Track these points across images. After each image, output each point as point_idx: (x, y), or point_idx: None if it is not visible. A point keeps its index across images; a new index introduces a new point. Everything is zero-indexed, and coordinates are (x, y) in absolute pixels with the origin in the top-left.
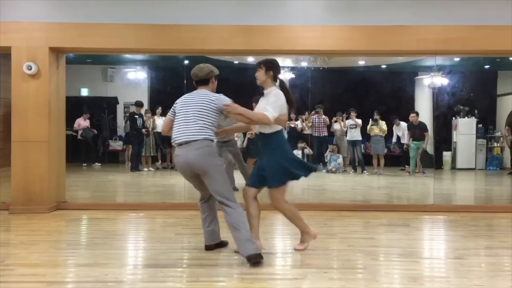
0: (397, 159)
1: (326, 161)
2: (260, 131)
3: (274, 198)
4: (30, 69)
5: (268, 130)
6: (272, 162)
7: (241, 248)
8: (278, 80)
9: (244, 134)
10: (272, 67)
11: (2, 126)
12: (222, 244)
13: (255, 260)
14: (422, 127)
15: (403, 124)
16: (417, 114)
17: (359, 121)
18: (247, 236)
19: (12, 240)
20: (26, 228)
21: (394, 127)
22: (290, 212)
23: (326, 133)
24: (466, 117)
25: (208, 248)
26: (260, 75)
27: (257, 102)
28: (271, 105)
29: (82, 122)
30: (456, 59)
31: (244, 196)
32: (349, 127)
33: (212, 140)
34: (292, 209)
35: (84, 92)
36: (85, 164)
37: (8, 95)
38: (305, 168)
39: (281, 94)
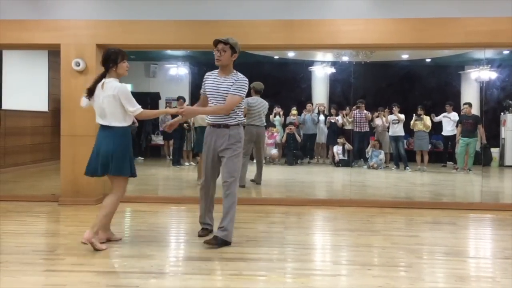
0: (442, 156)
1: (367, 156)
2: None
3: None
4: (78, 65)
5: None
6: None
7: None
8: None
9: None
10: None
11: (51, 121)
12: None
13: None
14: (475, 118)
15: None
16: (470, 105)
17: (402, 116)
18: None
19: (62, 231)
20: (74, 219)
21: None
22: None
23: (367, 129)
24: None
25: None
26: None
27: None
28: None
29: None
30: (506, 52)
31: None
32: (391, 122)
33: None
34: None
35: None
36: None
37: (57, 91)
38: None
39: None
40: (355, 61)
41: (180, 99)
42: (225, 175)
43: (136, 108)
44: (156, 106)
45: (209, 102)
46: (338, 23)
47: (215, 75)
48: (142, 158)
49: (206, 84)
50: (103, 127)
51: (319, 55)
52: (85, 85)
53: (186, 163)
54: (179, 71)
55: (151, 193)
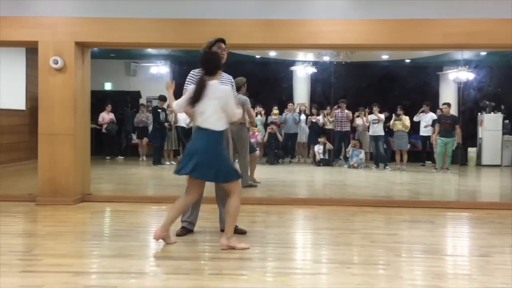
0: (420, 155)
1: (348, 156)
2: None
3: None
4: (57, 63)
5: None
6: None
7: None
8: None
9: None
10: (199, 61)
11: (29, 120)
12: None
13: None
14: (454, 118)
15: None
16: (449, 105)
17: (382, 116)
18: None
19: (39, 231)
20: (52, 219)
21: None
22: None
23: (348, 128)
24: (492, 113)
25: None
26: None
27: None
28: None
29: (106, 116)
30: (483, 53)
31: None
32: (371, 122)
33: None
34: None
35: (108, 86)
36: (109, 157)
37: (35, 89)
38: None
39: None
40: (336, 61)
41: (161, 97)
42: None
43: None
44: (136, 105)
45: None
46: (319, 23)
47: None
48: (123, 157)
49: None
50: (205, 130)
51: (301, 55)
52: (64, 83)
53: (167, 163)
54: (160, 69)
55: (132, 193)
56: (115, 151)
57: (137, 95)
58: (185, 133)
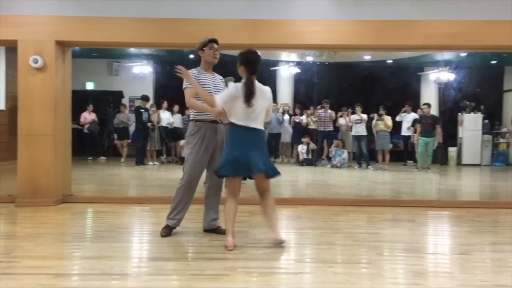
0: (402, 155)
1: (331, 156)
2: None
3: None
4: (37, 62)
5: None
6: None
7: None
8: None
9: None
10: (241, 61)
11: (8, 120)
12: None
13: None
14: (434, 118)
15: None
16: (429, 105)
17: (365, 116)
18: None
19: (19, 233)
20: (32, 220)
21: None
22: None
23: (331, 128)
24: (472, 113)
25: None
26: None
27: None
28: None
29: (88, 116)
30: (463, 54)
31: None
32: (354, 122)
33: (190, 119)
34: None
35: (90, 86)
36: (91, 158)
37: (14, 88)
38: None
39: (235, 86)
40: (319, 61)
41: (144, 97)
42: None
43: None
44: (119, 105)
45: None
46: (302, 24)
47: (205, 73)
48: (105, 158)
49: (203, 81)
50: (253, 130)
51: (284, 55)
52: (44, 82)
53: (150, 163)
54: (143, 69)
55: (114, 194)
56: (97, 151)
57: (119, 95)
58: (168, 133)
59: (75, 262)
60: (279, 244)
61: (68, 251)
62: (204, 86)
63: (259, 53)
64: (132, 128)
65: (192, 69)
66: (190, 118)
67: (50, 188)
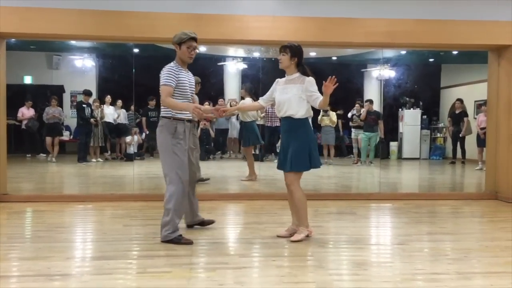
0: (347, 149)
1: (277, 151)
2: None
3: (291, 181)
4: None
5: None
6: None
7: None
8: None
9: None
10: (297, 53)
11: None
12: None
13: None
14: (377, 114)
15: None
16: (372, 102)
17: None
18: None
19: None
20: None
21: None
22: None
23: (278, 124)
24: (411, 109)
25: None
26: (284, 60)
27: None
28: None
29: (26, 112)
30: (402, 52)
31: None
32: None
33: (167, 118)
34: (303, 198)
35: (28, 80)
36: (29, 155)
37: None
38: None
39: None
40: (266, 57)
41: (86, 92)
42: (199, 170)
43: None
44: (59, 100)
45: (181, 97)
46: (247, 19)
47: (181, 70)
48: (45, 155)
49: (181, 79)
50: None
51: (231, 51)
52: None
53: (93, 160)
54: (85, 63)
55: (53, 192)
56: (36, 148)
57: (60, 89)
58: (111, 129)
59: (10, 263)
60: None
61: (2, 252)
62: (182, 84)
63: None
64: (73, 124)
65: (170, 64)
66: (165, 115)
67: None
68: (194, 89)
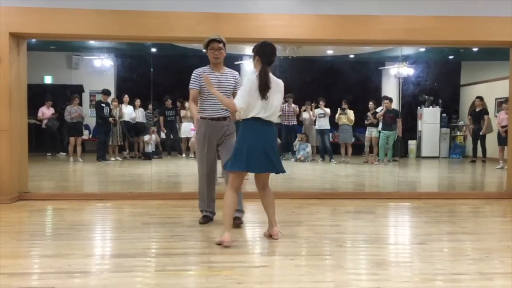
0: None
1: (295, 150)
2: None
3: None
4: None
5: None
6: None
7: None
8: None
9: None
10: (257, 52)
11: None
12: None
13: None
14: (395, 112)
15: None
16: (391, 100)
17: (328, 110)
18: None
19: None
20: None
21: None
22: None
23: (295, 122)
24: (430, 107)
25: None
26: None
27: None
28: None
29: (46, 111)
30: (421, 49)
31: None
32: (318, 116)
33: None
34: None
35: (48, 79)
36: (50, 154)
37: None
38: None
39: (250, 81)
40: (282, 56)
41: (105, 91)
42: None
43: None
44: (79, 99)
45: (204, 97)
46: (264, 18)
47: (211, 71)
48: (65, 154)
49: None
50: (268, 123)
51: (248, 49)
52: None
53: (112, 158)
54: (104, 63)
55: (73, 190)
56: (57, 147)
57: (79, 88)
58: (129, 128)
59: (32, 260)
60: (273, 238)
61: (24, 250)
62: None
63: (272, 46)
64: (92, 123)
65: (204, 68)
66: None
67: (5, 186)
68: (231, 88)
